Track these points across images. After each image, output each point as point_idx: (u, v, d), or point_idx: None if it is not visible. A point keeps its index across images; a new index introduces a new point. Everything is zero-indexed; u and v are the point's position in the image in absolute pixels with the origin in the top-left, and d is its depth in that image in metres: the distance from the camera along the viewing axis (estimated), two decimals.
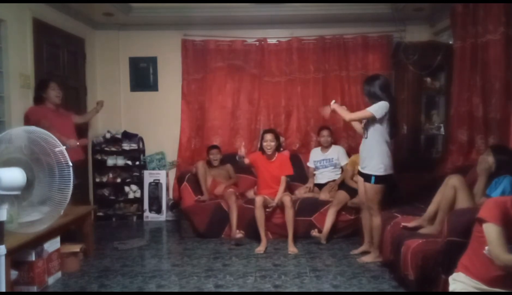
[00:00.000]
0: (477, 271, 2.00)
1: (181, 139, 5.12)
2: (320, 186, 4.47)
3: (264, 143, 4.09)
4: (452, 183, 2.82)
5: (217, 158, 4.60)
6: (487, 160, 2.83)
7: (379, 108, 3.19)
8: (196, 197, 4.25)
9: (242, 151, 4.04)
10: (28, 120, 3.57)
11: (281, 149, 4.42)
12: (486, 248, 1.95)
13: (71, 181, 1.74)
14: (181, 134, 5.11)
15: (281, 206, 4.01)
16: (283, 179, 4.06)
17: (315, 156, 4.61)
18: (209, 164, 4.60)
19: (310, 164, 4.63)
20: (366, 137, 3.29)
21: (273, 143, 4.09)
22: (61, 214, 1.76)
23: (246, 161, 4.11)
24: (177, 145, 5.11)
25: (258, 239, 3.92)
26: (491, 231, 1.91)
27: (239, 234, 3.96)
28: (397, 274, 3.01)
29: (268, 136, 4.10)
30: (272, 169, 4.11)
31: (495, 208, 1.96)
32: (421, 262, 2.60)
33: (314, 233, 3.96)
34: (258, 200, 3.89)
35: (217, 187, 4.42)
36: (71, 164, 1.75)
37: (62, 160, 1.72)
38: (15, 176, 1.65)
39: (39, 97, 3.76)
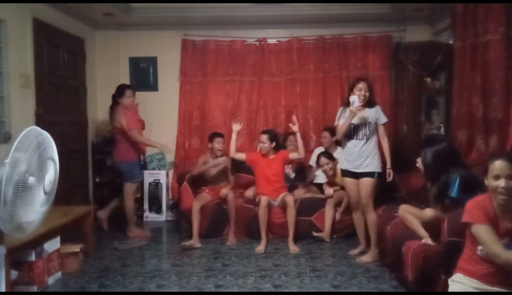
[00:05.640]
0: (474, 270, 2.01)
1: (179, 139, 5.12)
2: (319, 186, 4.46)
3: (259, 144, 4.16)
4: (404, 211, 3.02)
5: (221, 147, 4.34)
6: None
7: (382, 113, 3.46)
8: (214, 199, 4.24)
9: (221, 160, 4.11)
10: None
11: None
12: (479, 248, 1.96)
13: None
14: (178, 134, 5.12)
15: (283, 206, 4.02)
16: (291, 154, 4.10)
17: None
18: (212, 154, 4.40)
19: (312, 163, 4.61)
20: (366, 141, 3.39)
21: (266, 145, 4.07)
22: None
23: (242, 156, 4.11)
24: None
25: (258, 239, 3.92)
26: (480, 231, 1.92)
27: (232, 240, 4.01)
28: (397, 274, 3.01)
29: (263, 137, 4.12)
30: (271, 166, 4.09)
31: (476, 209, 1.97)
32: (421, 262, 2.60)
33: (316, 233, 3.97)
34: (264, 200, 3.90)
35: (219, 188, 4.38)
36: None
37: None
38: None
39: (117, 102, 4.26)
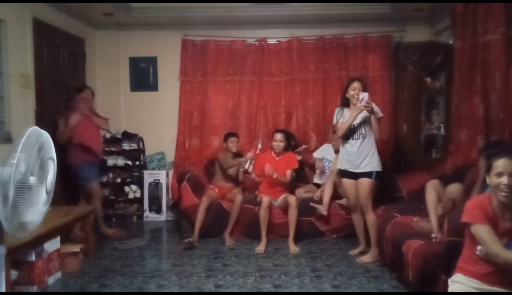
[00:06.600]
0: (474, 270, 2.01)
1: (179, 139, 5.12)
2: (318, 186, 4.45)
3: (274, 143, 4.20)
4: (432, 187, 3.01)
5: (236, 146, 4.45)
6: (481, 164, 2.80)
7: (378, 108, 3.41)
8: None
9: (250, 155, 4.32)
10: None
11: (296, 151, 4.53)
12: (478, 248, 1.97)
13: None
14: (178, 134, 5.12)
15: (283, 206, 4.02)
16: (288, 173, 4.12)
17: (327, 153, 4.49)
18: (228, 152, 4.46)
19: (318, 155, 4.54)
20: (363, 139, 3.39)
21: (282, 144, 4.16)
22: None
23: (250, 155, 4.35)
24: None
25: (258, 239, 3.92)
26: (480, 231, 1.93)
27: (229, 241, 4.04)
28: (398, 274, 3.01)
29: (278, 136, 4.19)
30: (277, 167, 4.08)
31: (475, 209, 1.98)
32: (422, 262, 2.60)
33: (313, 204, 3.98)
34: (266, 200, 3.90)
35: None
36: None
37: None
38: None
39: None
